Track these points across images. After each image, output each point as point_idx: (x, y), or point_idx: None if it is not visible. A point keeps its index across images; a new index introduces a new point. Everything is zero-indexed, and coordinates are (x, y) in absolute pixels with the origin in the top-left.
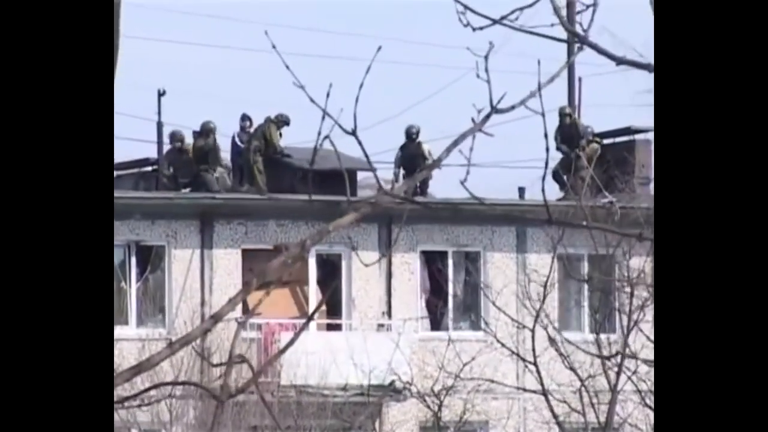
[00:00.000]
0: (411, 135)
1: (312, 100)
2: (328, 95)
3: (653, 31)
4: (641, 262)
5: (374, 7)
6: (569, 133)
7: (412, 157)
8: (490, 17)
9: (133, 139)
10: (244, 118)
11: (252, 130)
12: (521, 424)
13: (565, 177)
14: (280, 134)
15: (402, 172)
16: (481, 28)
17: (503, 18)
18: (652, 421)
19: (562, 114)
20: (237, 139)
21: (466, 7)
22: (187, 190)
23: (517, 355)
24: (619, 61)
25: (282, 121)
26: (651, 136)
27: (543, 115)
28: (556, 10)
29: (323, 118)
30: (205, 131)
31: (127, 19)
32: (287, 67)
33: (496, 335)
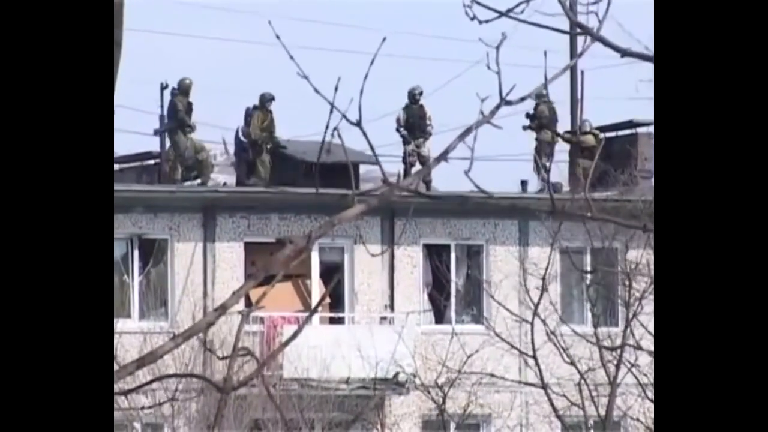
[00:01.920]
0: (414, 96)
1: (316, 91)
2: (336, 89)
3: (654, 22)
4: (641, 254)
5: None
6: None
7: (415, 119)
8: (496, 9)
9: (135, 132)
10: (248, 112)
11: None
12: (523, 418)
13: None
14: (270, 111)
15: (405, 133)
16: (487, 21)
17: (509, 11)
18: (653, 414)
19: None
20: (240, 134)
21: (474, 0)
22: (196, 182)
23: (517, 348)
24: (624, 53)
25: (267, 101)
26: (653, 129)
27: (551, 109)
28: (562, 3)
29: (331, 111)
30: (183, 88)
31: (129, 11)
32: (291, 57)
33: (495, 329)
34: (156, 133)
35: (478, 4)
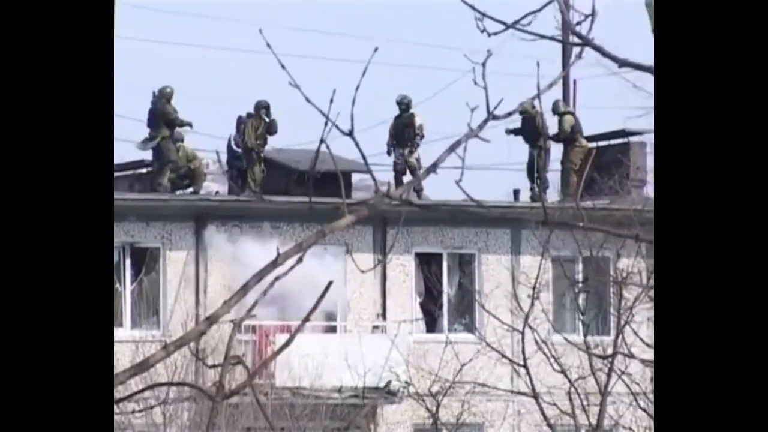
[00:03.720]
0: (401, 105)
1: (308, 100)
2: (331, 101)
3: (653, 32)
4: (632, 263)
5: (370, 7)
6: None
7: (403, 127)
8: (503, 22)
9: (128, 141)
10: (241, 120)
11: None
12: (515, 427)
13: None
14: (266, 120)
15: (393, 142)
16: (495, 34)
17: (515, 23)
18: (644, 423)
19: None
20: (233, 143)
21: (483, 14)
22: (189, 191)
23: (508, 358)
24: (621, 63)
25: (261, 108)
26: (645, 138)
27: (542, 117)
28: (562, 13)
29: (326, 124)
30: (167, 96)
31: (121, 19)
32: (282, 66)
33: (485, 338)
34: (145, 142)
35: (487, 17)
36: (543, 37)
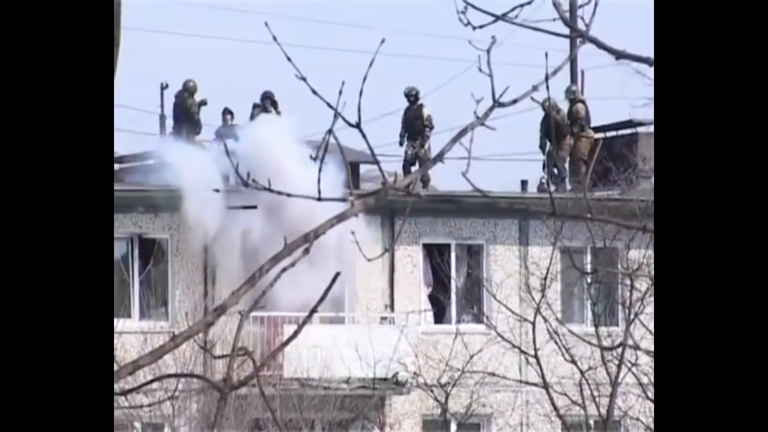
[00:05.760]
0: (409, 97)
1: (315, 93)
2: (340, 93)
3: (653, 22)
4: (642, 254)
5: None
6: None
7: (412, 120)
8: (492, 13)
9: (136, 132)
10: (225, 111)
11: (232, 123)
12: (524, 417)
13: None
14: (267, 110)
15: (405, 134)
16: (481, 27)
17: (504, 15)
18: (653, 413)
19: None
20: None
21: (468, 3)
22: None
23: (519, 348)
24: (619, 55)
25: (267, 99)
26: (653, 128)
27: (557, 113)
28: (556, 6)
29: (335, 117)
30: (190, 90)
31: (131, 11)
32: (288, 59)
33: (496, 328)
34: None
35: (473, 7)
36: (537, 29)
